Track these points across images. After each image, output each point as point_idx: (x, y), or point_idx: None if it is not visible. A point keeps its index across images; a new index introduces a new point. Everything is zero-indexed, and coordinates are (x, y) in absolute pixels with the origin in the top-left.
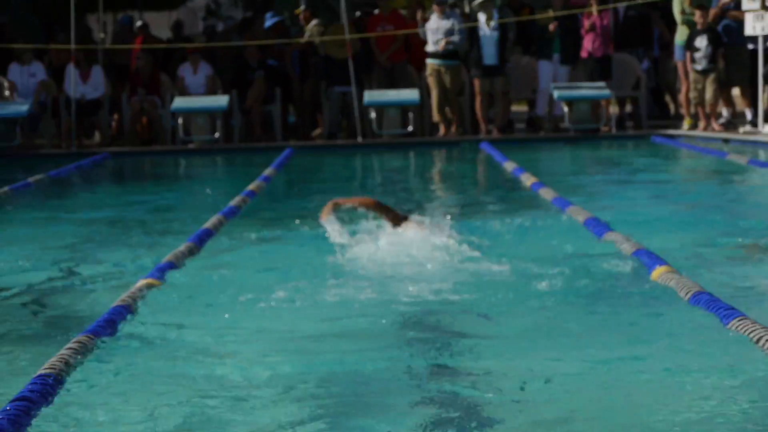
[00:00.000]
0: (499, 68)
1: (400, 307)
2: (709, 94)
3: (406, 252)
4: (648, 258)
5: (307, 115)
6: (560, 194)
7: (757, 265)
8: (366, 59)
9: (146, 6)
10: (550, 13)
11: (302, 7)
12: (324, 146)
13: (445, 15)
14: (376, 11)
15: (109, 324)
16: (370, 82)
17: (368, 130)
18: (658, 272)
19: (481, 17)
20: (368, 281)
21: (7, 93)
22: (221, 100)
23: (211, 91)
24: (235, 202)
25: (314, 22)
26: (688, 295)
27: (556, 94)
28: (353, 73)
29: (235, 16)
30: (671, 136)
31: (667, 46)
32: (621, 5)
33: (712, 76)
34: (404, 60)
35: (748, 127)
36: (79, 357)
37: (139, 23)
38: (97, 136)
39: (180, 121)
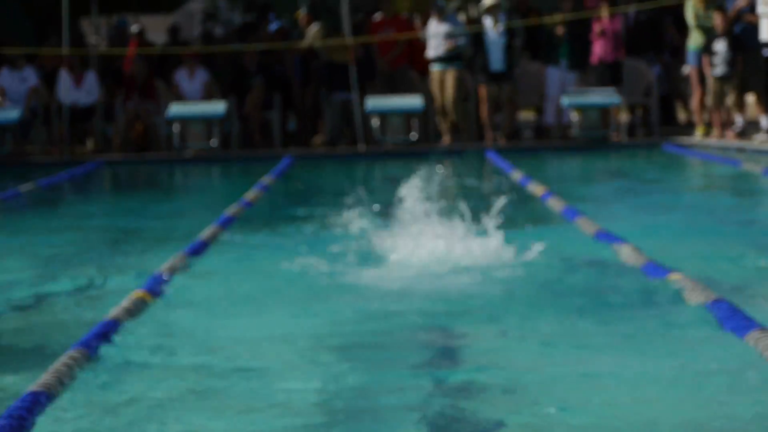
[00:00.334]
0: (506, 74)
1: (404, 316)
2: (728, 100)
3: (413, 260)
4: (659, 270)
5: (308, 121)
6: (570, 204)
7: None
8: (368, 65)
9: (142, 9)
10: (557, 18)
11: (302, 11)
12: (325, 154)
13: (443, 19)
14: (378, 15)
15: (101, 338)
16: (373, 88)
17: (370, 138)
18: (669, 282)
19: (488, 22)
20: (371, 290)
21: None
22: (219, 107)
23: (208, 97)
24: (231, 211)
25: (315, 26)
26: (702, 305)
27: (564, 101)
28: (355, 79)
29: (233, 20)
30: (683, 145)
31: (678, 51)
32: (631, 10)
33: (731, 82)
34: (407, 65)
35: (763, 136)
36: (70, 372)
37: (134, 27)
38: (90, 144)
39: (176, 128)
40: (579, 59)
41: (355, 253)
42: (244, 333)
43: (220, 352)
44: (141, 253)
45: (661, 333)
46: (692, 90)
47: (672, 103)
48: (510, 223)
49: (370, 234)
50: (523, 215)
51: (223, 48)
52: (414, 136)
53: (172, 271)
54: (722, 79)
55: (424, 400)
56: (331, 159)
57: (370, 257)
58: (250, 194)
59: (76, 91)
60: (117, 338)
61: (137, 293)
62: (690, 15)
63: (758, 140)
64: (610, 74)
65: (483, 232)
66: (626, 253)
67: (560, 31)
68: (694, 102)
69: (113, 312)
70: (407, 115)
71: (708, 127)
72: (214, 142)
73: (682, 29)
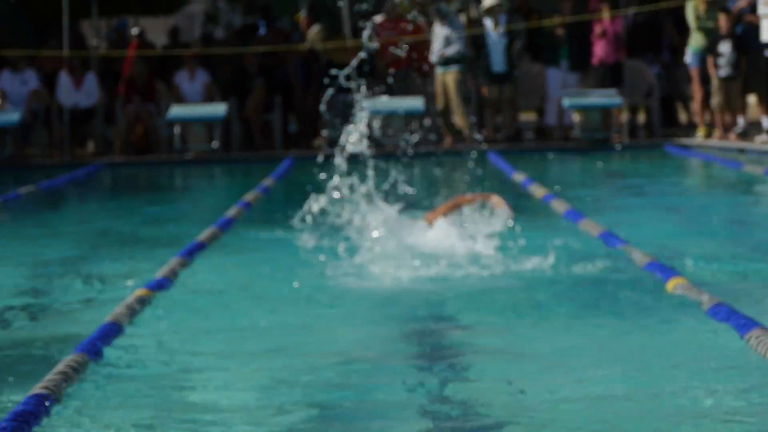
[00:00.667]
0: (507, 75)
1: (402, 318)
2: (733, 101)
3: (412, 263)
4: (662, 271)
5: (309, 124)
6: (572, 206)
7: None
8: (370, 66)
9: (142, 11)
10: (557, 20)
11: (302, 13)
12: (326, 156)
13: (446, 23)
14: (378, 17)
15: (102, 340)
16: (374, 89)
17: (370, 140)
18: (672, 284)
19: (489, 23)
20: (371, 293)
21: None
22: (219, 109)
23: (208, 99)
24: (230, 213)
25: (315, 28)
26: (705, 307)
27: (565, 102)
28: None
29: (234, 22)
30: (685, 146)
31: (677, 52)
32: (632, 11)
33: (736, 83)
34: (408, 67)
35: (764, 137)
36: (72, 374)
37: (134, 30)
38: (90, 146)
39: (177, 130)
40: (580, 60)
41: (353, 255)
42: (239, 333)
43: (217, 353)
44: (141, 255)
45: (663, 336)
46: (694, 91)
47: (673, 104)
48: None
49: (369, 236)
50: (525, 217)
51: (223, 50)
52: (415, 136)
53: (171, 273)
54: (727, 80)
55: (420, 402)
56: (332, 161)
57: (368, 260)
58: (250, 196)
59: (76, 93)
60: (116, 341)
61: (136, 295)
62: (691, 16)
63: (760, 141)
64: (611, 75)
65: (484, 234)
66: (629, 254)
67: (561, 32)
68: (696, 103)
69: (112, 315)
70: (408, 116)
71: (709, 128)
72: (215, 144)
73: (681, 30)
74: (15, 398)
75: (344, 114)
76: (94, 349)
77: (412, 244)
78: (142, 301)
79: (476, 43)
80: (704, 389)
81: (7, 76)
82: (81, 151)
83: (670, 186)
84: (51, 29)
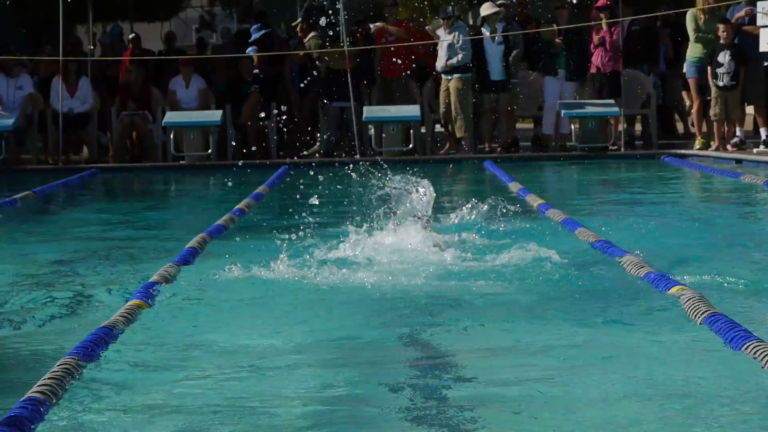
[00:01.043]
0: (504, 84)
1: (396, 325)
2: (732, 112)
3: (405, 269)
4: (659, 280)
5: (304, 131)
6: (569, 215)
7: None
8: (367, 72)
9: (137, 17)
10: (555, 28)
11: (300, 20)
12: (320, 163)
13: (450, 28)
14: (373, 26)
15: (95, 346)
16: (370, 97)
17: (367, 147)
18: (669, 293)
19: (486, 31)
20: (363, 298)
21: None
22: (214, 115)
23: (203, 105)
24: (222, 220)
25: (312, 34)
26: (701, 317)
27: (562, 111)
28: (353, 87)
29: (230, 27)
30: (682, 156)
31: (674, 63)
32: (627, 20)
33: (734, 94)
34: (406, 74)
35: (762, 147)
36: (64, 380)
37: (131, 36)
38: (85, 152)
39: (171, 136)
40: (577, 69)
41: (348, 261)
42: (231, 341)
43: (209, 360)
44: (133, 261)
45: (658, 344)
46: (692, 101)
47: (670, 114)
48: (509, 234)
49: (363, 242)
50: (522, 226)
51: (218, 56)
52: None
53: (163, 279)
54: (725, 91)
55: (414, 407)
56: (328, 168)
57: (363, 265)
58: (244, 203)
59: (70, 98)
60: (108, 347)
61: (130, 302)
62: (690, 26)
63: (757, 152)
64: (609, 85)
65: (481, 242)
66: (627, 264)
67: (558, 41)
68: (693, 113)
69: (106, 321)
70: (404, 124)
71: (706, 138)
72: (209, 151)
73: (677, 40)
74: (5, 403)
75: (339, 121)
76: (86, 354)
77: (405, 249)
78: (133, 308)
79: (474, 51)
80: (699, 398)
81: (2, 80)
82: (75, 157)
83: (667, 196)
84: (47, 34)
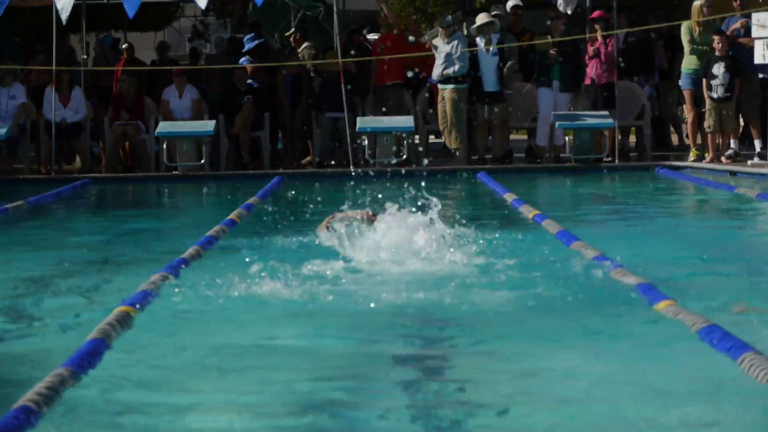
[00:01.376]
0: (498, 95)
1: (388, 339)
2: (725, 124)
3: (398, 281)
4: (653, 293)
5: (297, 141)
6: (564, 227)
7: (765, 301)
8: (361, 82)
9: (131, 27)
10: (550, 39)
11: (293, 30)
12: (314, 174)
13: (449, 38)
14: (371, 34)
15: (85, 356)
16: (363, 107)
17: (360, 158)
18: (663, 306)
19: (480, 42)
20: (354, 310)
21: None
22: (208, 125)
23: (197, 115)
24: (213, 231)
25: (306, 44)
26: (694, 329)
27: (557, 123)
28: (346, 96)
29: (223, 37)
30: (677, 168)
31: (667, 74)
32: (622, 32)
33: (729, 106)
34: (400, 84)
35: (756, 160)
36: (56, 389)
37: (124, 45)
38: (77, 161)
39: (164, 146)
40: (572, 81)
41: (341, 271)
42: (221, 351)
43: (198, 370)
44: (125, 272)
45: (652, 356)
46: (686, 113)
47: (665, 125)
48: (504, 246)
49: (356, 254)
50: (517, 238)
51: (212, 66)
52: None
53: (153, 289)
54: (721, 103)
55: (407, 419)
56: (321, 179)
57: (356, 276)
58: (235, 213)
59: (63, 108)
60: (99, 357)
61: (118, 310)
62: (685, 38)
63: (751, 164)
64: (603, 96)
65: (472, 254)
66: (621, 276)
67: (552, 52)
68: (688, 125)
69: (96, 330)
70: (398, 135)
71: (701, 150)
72: (202, 161)
73: (671, 52)
74: None
75: (333, 132)
76: (76, 364)
77: (397, 262)
78: (123, 318)
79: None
80: (695, 410)
81: None
82: (68, 167)
83: (662, 208)
84: (40, 43)
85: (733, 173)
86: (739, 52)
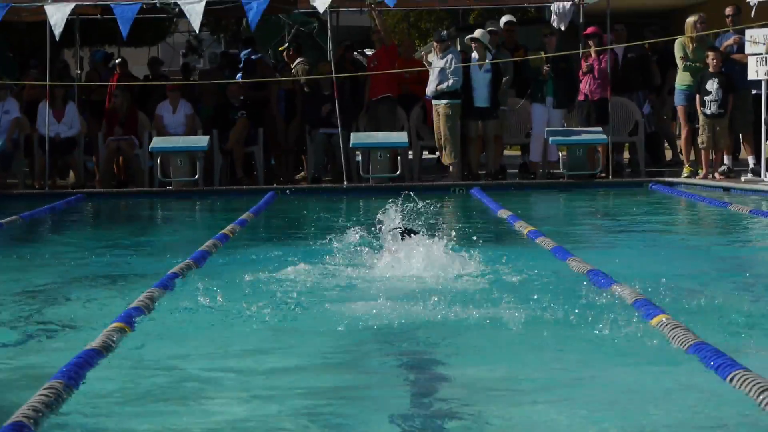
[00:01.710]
0: (490, 111)
1: (382, 354)
2: (719, 140)
3: (391, 297)
4: (648, 308)
5: (291, 157)
6: (558, 244)
7: (759, 319)
8: (354, 98)
9: (125, 41)
10: (543, 55)
11: (287, 45)
12: (308, 190)
13: (443, 53)
14: (366, 51)
15: (78, 370)
16: (357, 123)
17: (354, 174)
18: (656, 321)
19: (474, 55)
20: (346, 326)
21: None
22: (201, 141)
23: (190, 130)
24: (205, 246)
25: (300, 60)
26: (687, 346)
27: (550, 139)
28: (340, 112)
29: (216, 53)
30: (670, 184)
31: (660, 90)
32: (620, 47)
33: (722, 122)
34: (394, 99)
35: (750, 176)
36: (50, 404)
37: (117, 60)
38: (71, 177)
39: (158, 161)
40: (565, 97)
41: (334, 288)
42: (214, 367)
43: (191, 386)
44: (118, 287)
45: (646, 373)
46: (680, 129)
47: (659, 141)
48: (499, 262)
49: (348, 272)
50: (512, 254)
51: (208, 81)
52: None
53: (146, 305)
54: (714, 119)
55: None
56: (315, 194)
57: (343, 293)
58: (228, 229)
59: (57, 123)
60: (92, 372)
61: (112, 326)
62: (679, 55)
63: (745, 181)
64: (597, 112)
65: (468, 271)
66: (617, 292)
67: (545, 69)
68: (681, 141)
69: (89, 345)
70: (392, 150)
71: (694, 166)
72: (196, 177)
73: (664, 68)
74: None
75: (326, 148)
76: (70, 378)
77: (390, 277)
78: (114, 334)
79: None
80: (687, 426)
81: None
82: (61, 182)
83: (654, 225)
84: (34, 58)
85: (726, 189)
86: (732, 69)
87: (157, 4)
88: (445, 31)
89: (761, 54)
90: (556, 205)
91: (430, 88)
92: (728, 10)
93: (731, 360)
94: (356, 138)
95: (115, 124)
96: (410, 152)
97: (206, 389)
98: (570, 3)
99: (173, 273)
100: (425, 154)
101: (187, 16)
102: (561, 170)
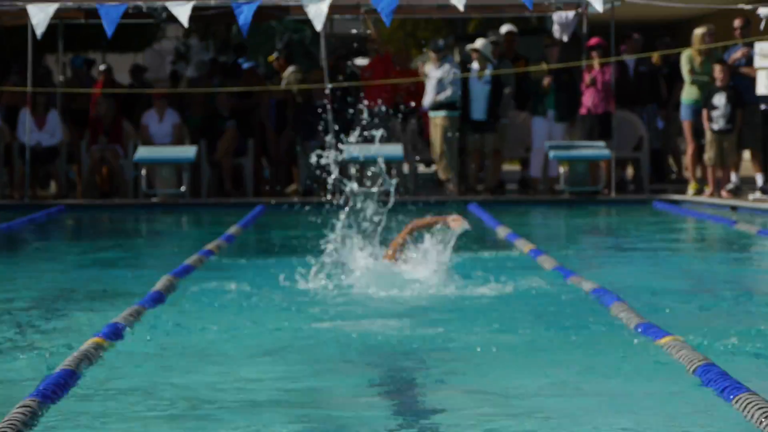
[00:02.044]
0: (488, 124)
1: (374, 367)
2: (726, 157)
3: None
4: (652, 330)
5: (282, 169)
6: (560, 263)
7: (765, 340)
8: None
9: (110, 48)
10: (544, 67)
11: (276, 54)
12: (299, 203)
13: (440, 63)
14: (361, 59)
15: (57, 387)
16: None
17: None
18: (662, 343)
19: (474, 66)
20: (337, 341)
21: None
22: (189, 151)
23: (177, 140)
24: (190, 261)
25: (291, 69)
26: (693, 367)
27: (551, 153)
28: (332, 123)
29: (204, 60)
30: (675, 202)
31: (666, 104)
32: (630, 58)
33: (730, 137)
34: (388, 109)
35: (758, 194)
36: (26, 422)
37: (102, 67)
38: (52, 187)
39: (143, 172)
40: (567, 110)
41: (321, 303)
42: (197, 384)
43: (173, 403)
44: (97, 303)
45: (652, 395)
46: (686, 145)
47: (663, 157)
48: (500, 281)
49: (333, 283)
50: (512, 273)
51: (195, 90)
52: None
53: (126, 320)
54: (721, 134)
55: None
56: (305, 208)
57: (333, 306)
58: (214, 244)
59: (38, 131)
60: (71, 388)
61: (93, 341)
62: (685, 68)
63: (752, 199)
64: (600, 126)
65: (467, 288)
66: (621, 313)
67: (547, 81)
68: (687, 157)
69: (67, 361)
70: (387, 163)
71: (700, 183)
72: (183, 189)
73: (671, 82)
74: None
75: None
76: (46, 396)
77: (383, 296)
78: (94, 350)
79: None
80: None
81: None
82: (42, 193)
83: (658, 244)
84: (16, 63)
85: (734, 208)
86: (740, 83)
87: (143, 8)
88: (442, 40)
89: None
90: (556, 223)
91: (427, 100)
92: (737, 23)
93: (737, 383)
94: (349, 150)
95: (100, 133)
96: (405, 165)
97: (188, 406)
98: (573, 13)
99: (156, 291)
100: (421, 167)
101: (175, 14)
102: (562, 186)
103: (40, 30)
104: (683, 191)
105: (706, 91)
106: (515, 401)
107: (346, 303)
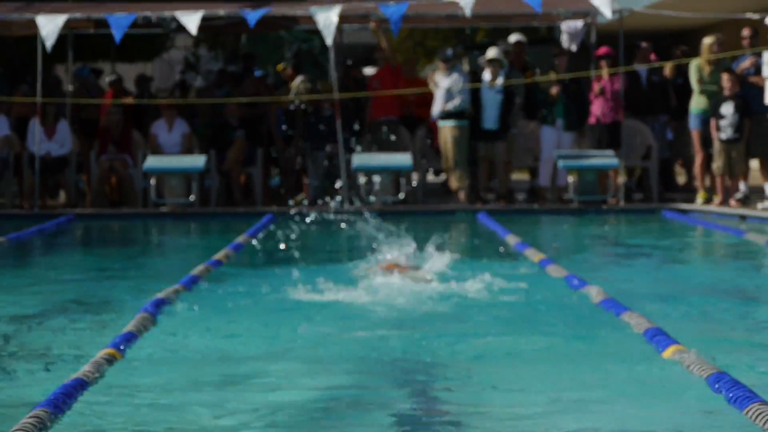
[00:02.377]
0: (499, 133)
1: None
2: (735, 166)
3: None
4: (661, 339)
5: (291, 178)
6: (570, 272)
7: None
8: (357, 117)
9: (119, 57)
10: (553, 76)
11: (284, 64)
12: (307, 212)
13: (449, 72)
14: (368, 69)
15: (67, 397)
16: (359, 144)
17: (356, 196)
18: (670, 352)
19: (486, 75)
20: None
21: None
22: (198, 161)
23: (187, 150)
24: (197, 271)
25: (300, 78)
26: (704, 375)
27: (560, 162)
28: (341, 134)
29: (213, 70)
30: (684, 211)
31: (677, 114)
32: (643, 68)
33: (738, 147)
34: (396, 121)
35: (766, 204)
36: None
37: (112, 77)
38: (62, 197)
39: (152, 182)
40: (576, 120)
41: (329, 312)
42: (204, 394)
43: (181, 413)
44: (107, 312)
45: (659, 403)
46: (695, 154)
47: (671, 167)
48: (510, 290)
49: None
50: (522, 282)
51: (204, 99)
52: (401, 195)
53: (137, 330)
54: (729, 144)
55: None
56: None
57: (348, 322)
58: (222, 254)
59: (48, 141)
60: (81, 399)
61: (103, 352)
62: (694, 78)
63: (762, 208)
64: (608, 136)
65: (475, 298)
66: (630, 321)
67: (555, 90)
68: (696, 166)
69: (79, 372)
70: (396, 173)
71: (709, 193)
72: (192, 198)
73: (682, 92)
74: None
75: (327, 169)
76: (56, 405)
77: (392, 306)
78: (106, 360)
79: (470, 97)
80: None
81: None
82: (52, 202)
83: (666, 253)
84: (26, 75)
85: (742, 217)
86: (748, 92)
87: (153, 18)
88: (451, 49)
89: None
90: (565, 232)
91: (437, 110)
92: (745, 32)
93: (749, 391)
94: (359, 159)
95: (109, 143)
96: (414, 175)
97: (196, 416)
98: (581, 22)
99: (164, 299)
100: (430, 177)
101: (184, 24)
102: (571, 195)
103: (49, 41)
104: (692, 200)
105: (714, 100)
106: (522, 411)
107: (355, 311)
